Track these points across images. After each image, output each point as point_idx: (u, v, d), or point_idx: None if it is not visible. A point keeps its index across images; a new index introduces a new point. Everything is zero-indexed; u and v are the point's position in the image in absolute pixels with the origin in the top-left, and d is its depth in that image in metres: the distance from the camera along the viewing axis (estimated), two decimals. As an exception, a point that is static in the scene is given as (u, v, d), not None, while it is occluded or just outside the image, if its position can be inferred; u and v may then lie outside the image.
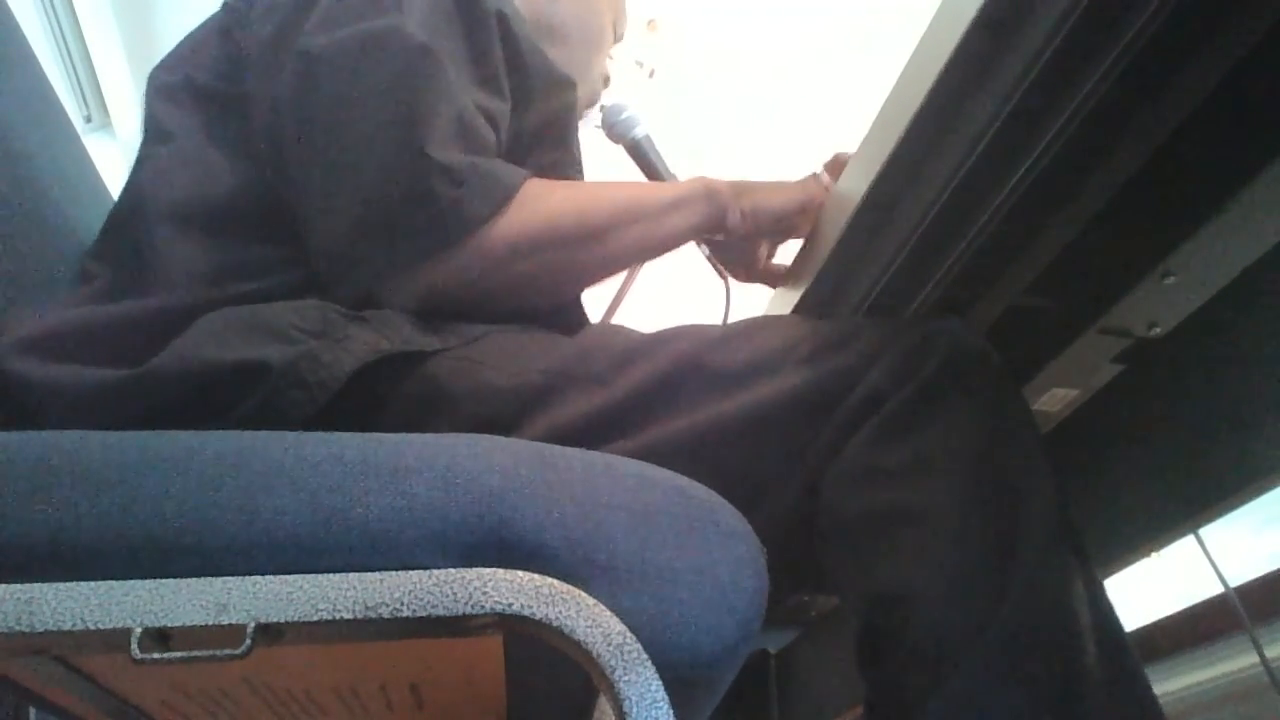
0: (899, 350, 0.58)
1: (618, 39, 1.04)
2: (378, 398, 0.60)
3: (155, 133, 0.76)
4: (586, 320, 0.84)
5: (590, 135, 1.01)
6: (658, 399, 0.60)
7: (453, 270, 0.65)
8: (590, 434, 0.59)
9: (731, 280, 0.93)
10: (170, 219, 0.69)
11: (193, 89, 0.76)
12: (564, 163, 0.82)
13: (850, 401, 0.57)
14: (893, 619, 0.51)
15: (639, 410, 0.60)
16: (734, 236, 0.80)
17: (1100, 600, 0.51)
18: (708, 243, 0.87)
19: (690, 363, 0.61)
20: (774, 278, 0.90)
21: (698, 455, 0.58)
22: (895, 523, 0.53)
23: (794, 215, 0.80)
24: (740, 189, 0.78)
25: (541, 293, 0.72)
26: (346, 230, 0.64)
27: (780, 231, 0.84)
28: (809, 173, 0.81)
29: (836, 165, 0.80)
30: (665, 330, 0.66)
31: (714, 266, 0.91)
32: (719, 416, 0.59)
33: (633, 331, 0.68)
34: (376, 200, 0.63)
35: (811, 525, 0.58)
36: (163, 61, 0.81)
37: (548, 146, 0.79)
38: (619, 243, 0.73)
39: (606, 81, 1.03)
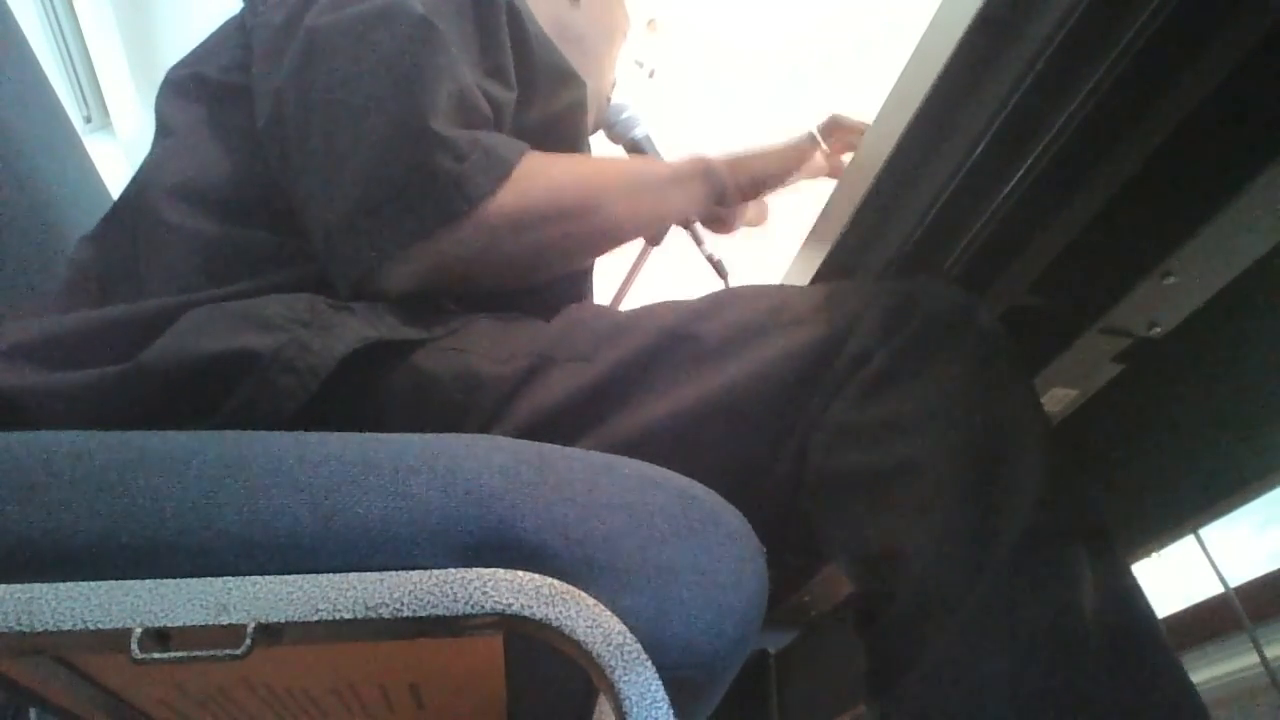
0: (884, 307, 0.57)
1: (624, 38, 1.04)
2: (366, 391, 0.60)
3: (160, 130, 0.76)
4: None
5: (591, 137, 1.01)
6: (645, 373, 0.60)
7: (455, 245, 0.64)
8: (580, 413, 0.59)
9: (731, 279, 0.93)
10: (167, 203, 0.68)
11: (199, 83, 0.76)
12: None
13: (837, 363, 0.56)
14: (882, 580, 0.50)
15: (626, 385, 0.59)
16: (730, 206, 0.82)
17: (1103, 555, 0.49)
18: (702, 218, 0.88)
19: (675, 334, 0.61)
20: (756, 220, 0.92)
21: (690, 429, 0.58)
22: (881, 481, 0.52)
23: (788, 180, 0.81)
24: (736, 164, 0.79)
25: (543, 267, 0.72)
26: (348, 207, 0.63)
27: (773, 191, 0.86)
28: (804, 132, 0.82)
29: (831, 125, 0.81)
30: (649, 306, 0.66)
31: (714, 267, 0.91)
32: (708, 386, 0.58)
33: (617, 311, 0.68)
34: (378, 176, 0.63)
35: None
36: (181, 59, 0.80)
37: (556, 148, 0.79)
38: (617, 216, 0.73)
39: (614, 85, 1.03)
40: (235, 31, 0.78)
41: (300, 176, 0.67)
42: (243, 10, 0.79)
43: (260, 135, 0.70)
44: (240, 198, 0.70)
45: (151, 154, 0.74)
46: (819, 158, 0.80)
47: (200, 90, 0.76)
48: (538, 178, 0.67)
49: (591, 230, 0.72)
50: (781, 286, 0.68)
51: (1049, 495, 0.49)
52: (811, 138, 0.81)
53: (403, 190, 0.62)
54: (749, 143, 0.81)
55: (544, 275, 0.73)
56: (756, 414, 0.58)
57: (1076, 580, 0.47)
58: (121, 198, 0.74)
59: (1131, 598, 0.49)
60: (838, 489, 0.55)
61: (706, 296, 0.66)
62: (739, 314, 0.62)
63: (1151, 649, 0.47)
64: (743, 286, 0.69)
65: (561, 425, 0.57)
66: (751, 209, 0.91)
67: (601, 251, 0.78)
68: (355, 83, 0.65)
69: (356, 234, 0.63)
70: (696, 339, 0.60)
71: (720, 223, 0.90)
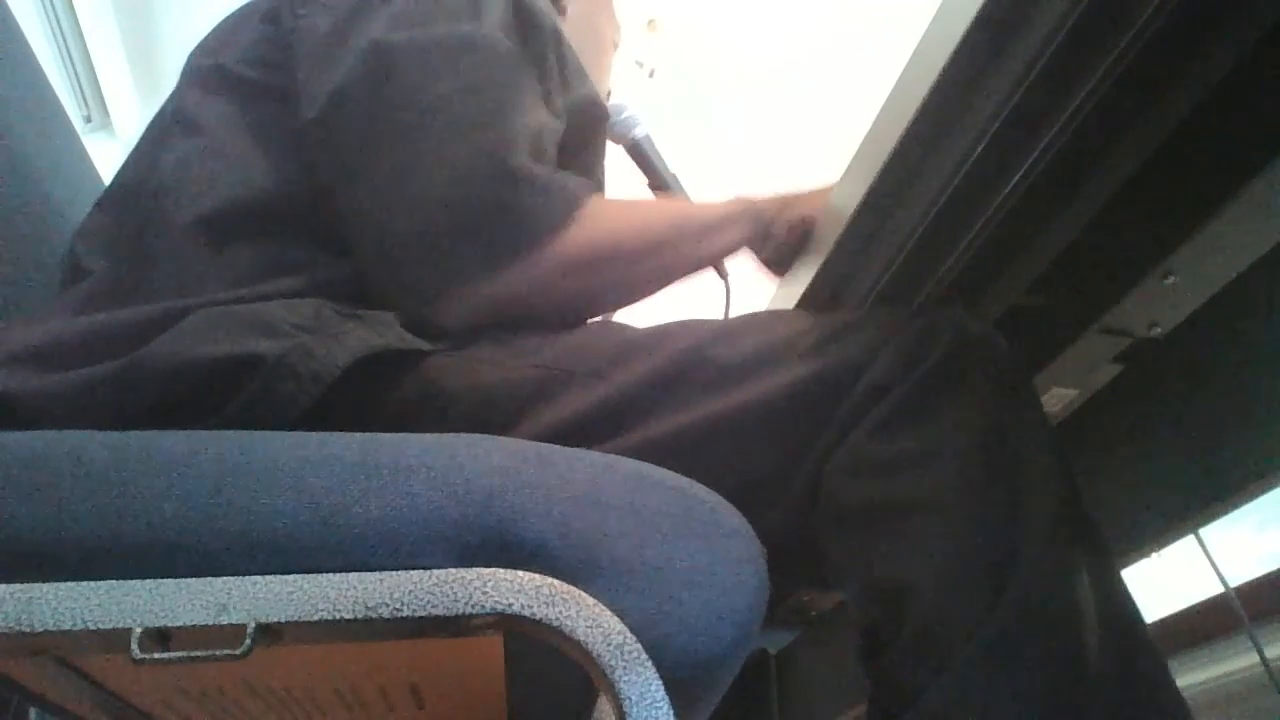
0: (903, 339, 0.57)
1: (615, 49, 1.05)
2: (373, 398, 0.60)
3: (182, 121, 0.74)
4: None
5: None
6: (658, 394, 0.60)
7: (520, 281, 0.64)
8: (589, 429, 0.58)
9: (731, 279, 0.93)
10: (198, 221, 0.67)
11: (225, 77, 0.75)
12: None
13: (855, 393, 0.56)
14: (891, 611, 0.50)
15: (639, 405, 0.59)
16: (785, 249, 0.81)
17: (1112, 591, 0.50)
18: (760, 257, 0.86)
19: (691, 357, 0.61)
20: None
21: (700, 451, 0.57)
22: (896, 514, 0.53)
23: None
24: (784, 203, 0.79)
25: (596, 308, 0.73)
26: (422, 229, 0.63)
27: None
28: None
29: None
30: (664, 325, 0.66)
31: (714, 266, 0.91)
32: (722, 411, 0.58)
33: (630, 327, 0.67)
34: (457, 203, 0.63)
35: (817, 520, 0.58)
36: (202, 43, 0.79)
37: (574, 170, 0.78)
38: (670, 258, 0.74)
39: (608, 95, 1.03)
40: (261, 23, 0.76)
41: (361, 189, 0.66)
42: (274, 3, 0.77)
43: (302, 132, 0.69)
44: (274, 206, 0.69)
45: (173, 154, 0.72)
46: None
47: (225, 84, 0.74)
48: (601, 219, 0.67)
49: (647, 273, 0.73)
50: (805, 312, 0.68)
51: (1060, 533, 0.50)
52: None
53: (480, 220, 0.63)
54: (757, 159, 0.81)
55: (593, 316, 0.73)
56: (768, 440, 0.58)
57: (1083, 612, 0.48)
58: (124, 188, 0.73)
59: (1129, 614, 0.50)
60: (851, 519, 0.55)
61: (725, 320, 0.66)
62: (757, 339, 0.62)
63: (1152, 679, 0.48)
64: (762, 312, 0.69)
65: (570, 440, 0.56)
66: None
67: (645, 296, 0.78)
68: (432, 107, 0.65)
69: (426, 258, 0.63)
70: (713, 363, 0.60)
71: (781, 265, 0.87)
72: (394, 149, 0.65)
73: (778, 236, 0.78)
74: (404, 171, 0.64)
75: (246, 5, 0.80)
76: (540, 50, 0.72)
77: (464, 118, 0.65)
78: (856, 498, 0.55)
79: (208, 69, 0.76)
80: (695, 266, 0.78)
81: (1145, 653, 0.49)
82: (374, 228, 0.65)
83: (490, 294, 0.64)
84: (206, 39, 0.80)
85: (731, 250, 0.79)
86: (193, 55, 0.78)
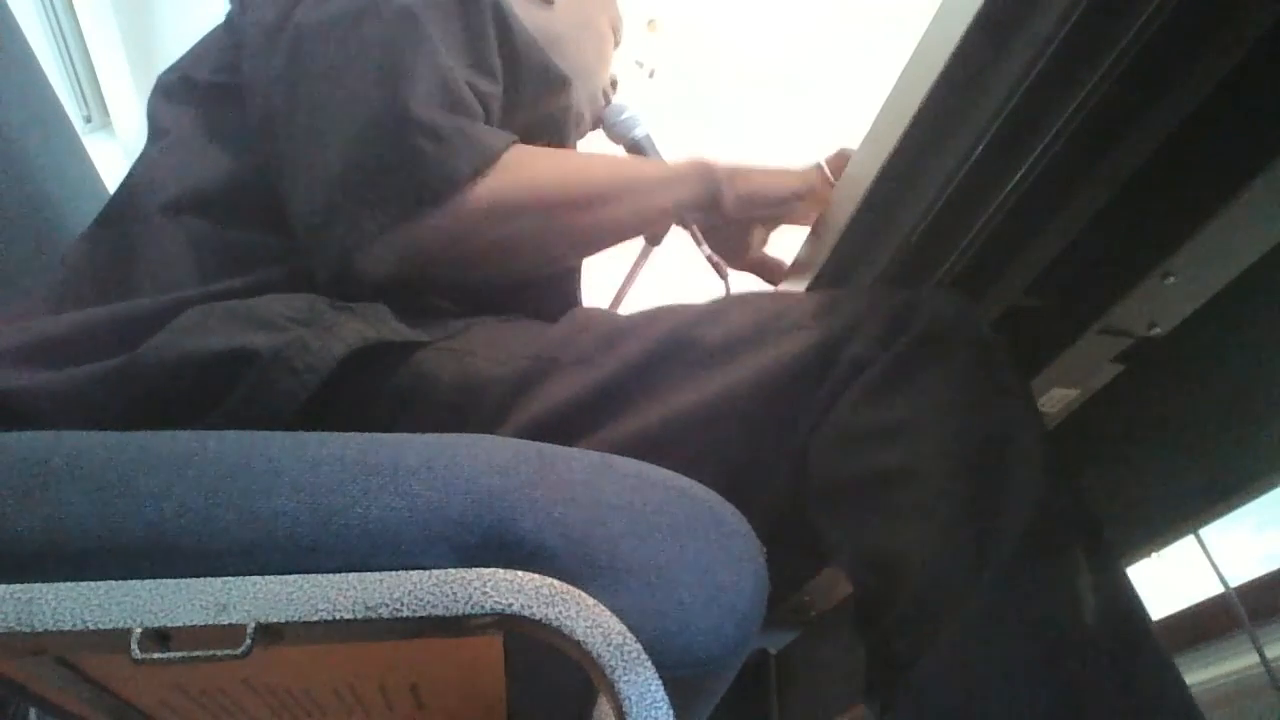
0: (882, 315, 0.57)
1: (616, 43, 1.04)
2: (367, 392, 0.60)
3: (152, 132, 0.77)
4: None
5: (590, 135, 1.01)
6: (647, 377, 0.60)
7: (432, 231, 0.64)
8: (582, 416, 0.59)
9: (732, 279, 0.93)
10: (162, 209, 0.68)
11: (189, 85, 0.77)
12: None
13: (837, 368, 0.57)
14: (883, 581, 0.51)
15: (629, 389, 0.60)
16: (727, 220, 0.80)
17: (1099, 559, 0.50)
18: (699, 225, 0.86)
19: (677, 338, 0.61)
20: (765, 268, 0.89)
21: (691, 432, 0.58)
22: (881, 485, 0.53)
23: (791, 203, 0.79)
24: (737, 173, 0.78)
25: (521, 260, 0.72)
26: (326, 190, 0.64)
27: (775, 218, 0.84)
28: (812, 162, 0.81)
29: (840, 159, 0.80)
30: (650, 310, 0.66)
31: (714, 267, 0.91)
32: (709, 391, 0.58)
33: (618, 315, 0.68)
34: (357, 159, 0.63)
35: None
36: (169, 66, 0.81)
37: (540, 140, 0.78)
38: (604, 213, 0.73)
39: (615, 86, 1.03)
40: (223, 33, 0.79)
41: (283, 168, 0.68)
42: (230, 11, 0.79)
43: (253, 133, 0.71)
44: (236, 198, 0.70)
45: (144, 156, 0.75)
46: (825, 190, 0.79)
47: (191, 93, 0.76)
48: (522, 169, 0.67)
49: (573, 227, 0.72)
50: (783, 293, 0.68)
51: (1046, 500, 0.50)
52: (819, 169, 0.80)
53: (382, 173, 0.63)
54: (756, 159, 0.80)
55: (524, 269, 0.72)
56: (757, 418, 0.58)
57: (1075, 583, 0.48)
58: (114, 200, 0.74)
59: (1128, 600, 0.50)
60: (839, 492, 0.55)
61: (709, 302, 0.66)
62: (740, 319, 0.62)
63: (1147, 652, 0.48)
64: (745, 293, 0.69)
65: (562, 428, 0.57)
66: (758, 244, 0.88)
67: (584, 251, 0.78)
68: (339, 76, 0.66)
69: (335, 218, 0.63)
70: (698, 344, 0.60)
71: (730, 250, 0.88)
72: (306, 125, 0.66)
73: (726, 206, 0.77)
74: (316, 140, 0.65)
75: (216, 26, 0.82)
76: (473, 20, 0.72)
77: (362, 81, 0.65)
78: (842, 470, 0.55)
79: (173, 82, 0.78)
80: (644, 219, 0.77)
81: (1134, 608, 0.49)
82: (296, 203, 0.66)
83: (406, 244, 0.64)
84: (176, 61, 0.81)
85: (679, 205, 0.78)
86: (160, 75, 0.80)
